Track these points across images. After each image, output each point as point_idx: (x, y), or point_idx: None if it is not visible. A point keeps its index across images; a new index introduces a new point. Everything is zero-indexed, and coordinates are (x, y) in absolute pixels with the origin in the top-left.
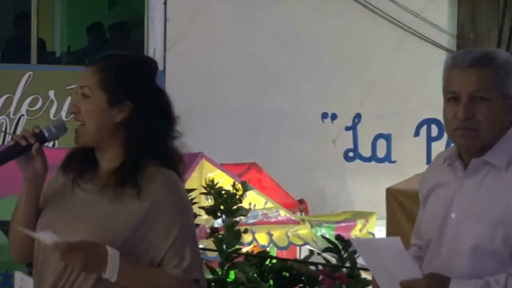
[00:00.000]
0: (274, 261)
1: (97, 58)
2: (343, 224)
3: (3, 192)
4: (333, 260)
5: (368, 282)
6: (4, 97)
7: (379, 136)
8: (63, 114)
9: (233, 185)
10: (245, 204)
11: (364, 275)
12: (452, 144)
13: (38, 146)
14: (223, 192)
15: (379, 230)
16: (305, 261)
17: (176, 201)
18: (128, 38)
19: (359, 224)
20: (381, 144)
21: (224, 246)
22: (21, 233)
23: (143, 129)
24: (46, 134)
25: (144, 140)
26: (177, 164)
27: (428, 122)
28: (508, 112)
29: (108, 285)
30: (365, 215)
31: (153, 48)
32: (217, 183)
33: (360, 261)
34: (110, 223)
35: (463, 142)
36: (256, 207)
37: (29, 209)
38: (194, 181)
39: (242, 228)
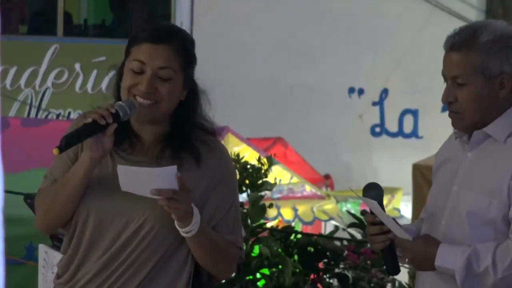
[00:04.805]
0: (299, 236)
1: (168, 34)
2: None
3: (26, 165)
4: (358, 236)
5: None
6: (30, 69)
7: (406, 111)
8: (89, 87)
9: (259, 160)
10: (270, 178)
11: None
12: None
13: (115, 126)
14: (248, 166)
15: (405, 206)
16: (330, 237)
17: (234, 174)
18: (154, 11)
19: (385, 200)
20: (408, 119)
21: (248, 221)
22: (60, 203)
23: (195, 102)
24: (121, 114)
25: (194, 111)
26: (216, 132)
27: None
28: (500, 89)
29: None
30: (391, 191)
31: (180, 21)
32: (242, 157)
33: None
34: None
35: (452, 123)
36: (282, 182)
37: (82, 188)
38: None
39: (267, 203)
